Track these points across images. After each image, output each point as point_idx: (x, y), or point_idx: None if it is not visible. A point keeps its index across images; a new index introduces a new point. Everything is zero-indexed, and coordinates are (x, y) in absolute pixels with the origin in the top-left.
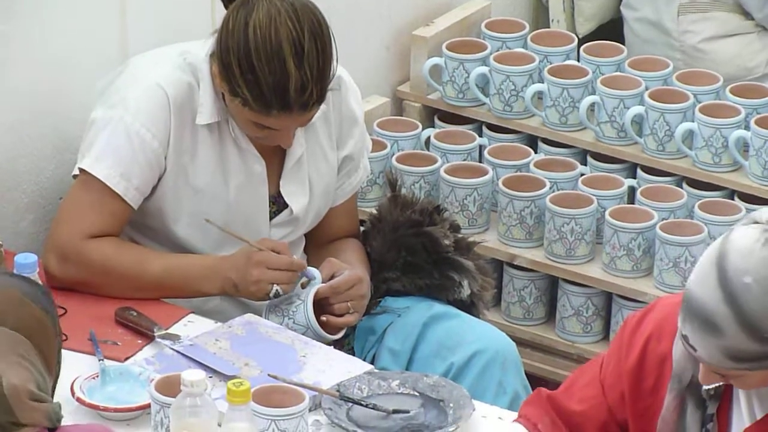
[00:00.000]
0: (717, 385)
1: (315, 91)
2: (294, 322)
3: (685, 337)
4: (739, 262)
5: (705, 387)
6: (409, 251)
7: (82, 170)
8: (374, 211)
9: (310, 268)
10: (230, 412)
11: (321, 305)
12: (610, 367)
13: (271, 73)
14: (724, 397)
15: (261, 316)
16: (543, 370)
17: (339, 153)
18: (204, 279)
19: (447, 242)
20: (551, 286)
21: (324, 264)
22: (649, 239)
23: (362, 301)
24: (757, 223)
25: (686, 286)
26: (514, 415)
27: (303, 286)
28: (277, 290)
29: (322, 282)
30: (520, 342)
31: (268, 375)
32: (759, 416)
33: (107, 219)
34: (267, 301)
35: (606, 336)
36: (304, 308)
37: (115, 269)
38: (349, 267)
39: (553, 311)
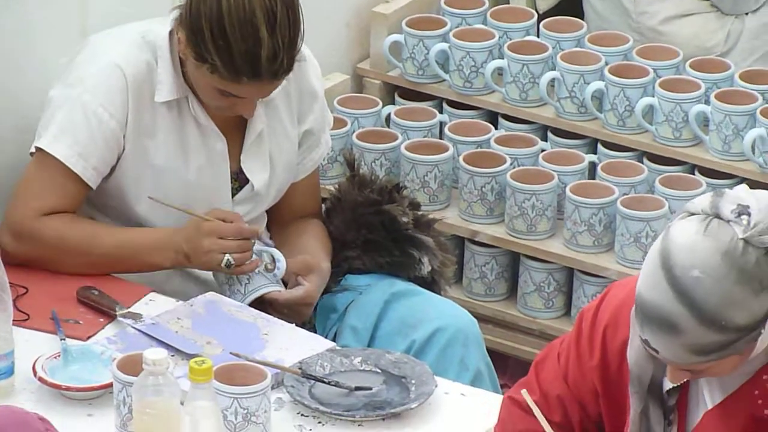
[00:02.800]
0: None
1: (285, 60)
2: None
3: (645, 341)
4: (684, 258)
5: (670, 386)
6: (368, 230)
7: (38, 149)
8: (334, 190)
9: (276, 250)
10: (193, 391)
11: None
12: (571, 361)
13: (243, 40)
14: (682, 385)
15: (222, 294)
16: (505, 346)
17: (299, 128)
18: (156, 251)
19: (406, 220)
20: (512, 262)
21: (298, 260)
22: (610, 214)
23: (307, 310)
24: (693, 214)
25: (637, 291)
26: (477, 391)
27: (268, 269)
28: (228, 259)
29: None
30: (481, 318)
31: (231, 353)
32: (718, 400)
33: (63, 198)
34: (227, 282)
35: (568, 311)
36: (249, 294)
37: (67, 245)
38: (316, 274)
39: (514, 287)
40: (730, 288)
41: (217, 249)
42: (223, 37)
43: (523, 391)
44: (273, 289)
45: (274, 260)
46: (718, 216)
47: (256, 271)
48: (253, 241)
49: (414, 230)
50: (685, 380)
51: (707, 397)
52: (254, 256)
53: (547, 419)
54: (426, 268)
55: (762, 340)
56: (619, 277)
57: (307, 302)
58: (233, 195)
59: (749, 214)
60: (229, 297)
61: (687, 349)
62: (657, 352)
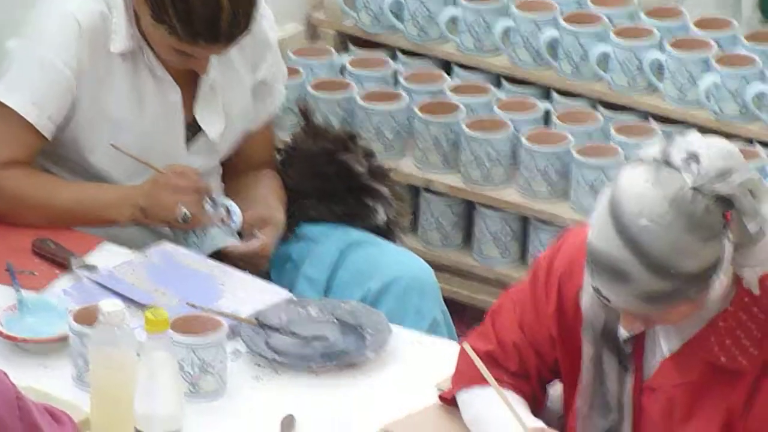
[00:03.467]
0: None
1: (243, 23)
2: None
3: (596, 290)
4: (633, 206)
5: (626, 334)
6: (324, 180)
7: None
8: (289, 141)
9: (232, 203)
10: (149, 341)
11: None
12: (527, 309)
13: (203, 5)
14: (638, 334)
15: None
16: (461, 294)
17: (253, 78)
18: (113, 207)
19: (361, 169)
20: (468, 211)
21: (254, 213)
22: (565, 162)
23: (263, 262)
24: (643, 162)
25: (587, 240)
26: (433, 340)
27: (224, 223)
28: (185, 213)
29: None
30: (437, 267)
31: (187, 304)
32: (675, 347)
33: (19, 148)
34: (183, 236)
35: (523, 259)
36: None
37: (25, 198)
38: (271, 227)
39: (470, 236)
40: (678, 236)
41: (174, 202)
42: (183, 0)
43: (466, 345)
44: (229, 242)
45: (229, 213)
46: (667, 163)
47: (212, 224)
48: (206, 197)
49: (369, 180)
50: (639, 329)
51: (664, 345)
52: (210, 209)
53: (503, 367)
54: (381, 218)
55: (715, 288)
56: (574, 224)
57: (263, 255)
58: (188, 146)
59: (699, 162)
60: (185, 248)
61: (637, 297)
62: (608, 300)
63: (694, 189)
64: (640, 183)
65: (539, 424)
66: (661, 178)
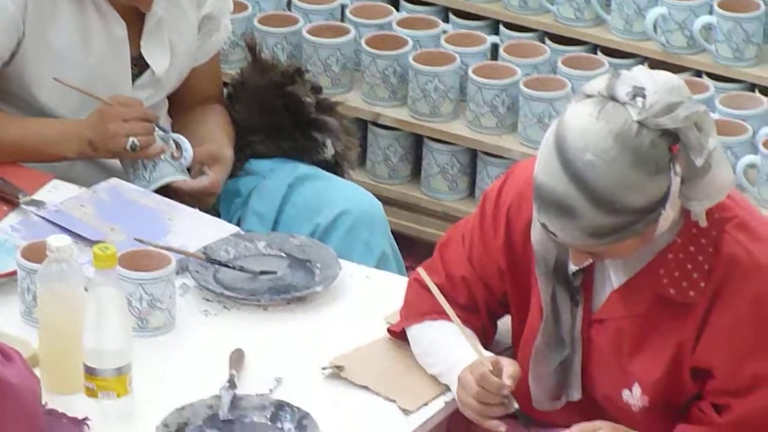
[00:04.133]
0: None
1: None
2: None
3: (543, 225)
4: (578, 141)
5: (575, 268)
6: (272, 114)
7: None
8: (236, 75)
9: (182, 138)
10: (97, 277)
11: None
12: (476, 242)
13: None
14: (587, 267)
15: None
16: (409, 228)
17: (199, 12)
18: (61, 141)
19: (309, 100)
20: (416, 145)
21: (204, 149)
22: (513, 95)
23: (211, 199)
24: (589, 96)
25: (534, 175)
26: (382, 273)
27: (174, 157)
28: (133, 142)
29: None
30: (386, 201)
31: (135, 239)
32: (624, 279)
33: None
34: (132, 167)
35: (472, 193)
36: (155, 182)
37: None
38: (220, 164)
39: (418, 169)
40: (623, 171)
41: (122, 132)
42: None
43: (421, 271)
44: (178, 177)
45: (180, 148)
46: (613, 98)
47: (162, 158)
48: (155, 126)
49: (317, 113)
50: (588, 262)
51: (613, 278)
52: (160, 140)
53: (452, 300)
54: (329, 152)
55: (663, 221)
56: (523, 157)
57: (212, 192)
58: (134, 81)
59: (644, 96)
60: (134, 183)
61: (583, 232)
62: (555, 235)
63: (639, 123)
64: (585, 118)
65: (489, 354)
66: (606, 113)
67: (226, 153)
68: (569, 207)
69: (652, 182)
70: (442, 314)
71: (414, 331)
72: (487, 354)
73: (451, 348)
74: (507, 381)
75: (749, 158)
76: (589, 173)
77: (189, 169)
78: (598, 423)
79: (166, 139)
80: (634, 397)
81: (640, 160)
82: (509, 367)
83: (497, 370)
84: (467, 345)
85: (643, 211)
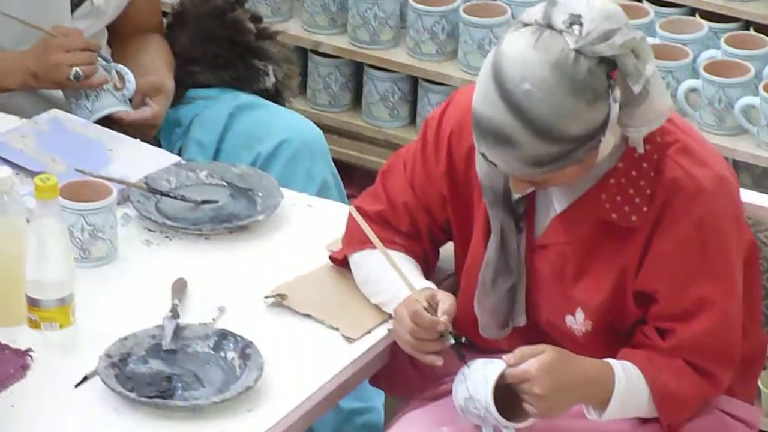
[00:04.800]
0: None
1: None
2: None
3: (483, 155)
4: (515, 71)
5: (517, 196)
6: (212, 43)
7: None
8: (176, 5)
9: (125, 69)
10: (38, 208)
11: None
12: (418, 169)
13: None
14: (529, 195)
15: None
16: (351, 156)
17: None
18: (3, 73)
19: (251, 26)
20: (356, 72)
21: (146, 81)
22: (453, 22)
23: (153, 131)
24: (526, 25)
25: (472, 106)
26: (324, 202)
27: (117, 88)
28: (77, 71)
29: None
30: (327, 129)
31: (76, 170)
32: (566, 205)
33: None
34: (74, 97)
35: (413, 120)
36: (97, 112)
37: None
38: (163, 95)
39: (359, 97)
40: (561, 99)
41: (65, 62)
42: None
43: (352, 209)
44: (121, 108)
45: (123, 79)
46: (550, 26)
47: (105, 89)
48: (97, 56)
49: (258, 41)
50: (530, 191)
51: (556, 204)
52: (103, 69)
53: (394, 227)
54: (271, 80)
55: (603, 148)
56: (463, 84)
57: (154, 123)
58: (73, 11)
59: (581, 24)
60: (75, 114)
61: (523, 161)
62: (496, 165)
63: (576, 51)
64: (522, 47)
65: (429, 284)
66: (543, 42)
67: (168, 84)
68: (508, 137)
69: (590, 110)
70: (386, 243)
71: (356, 259)
72: (424, 285)
73: (392, 278)
74: (442, 317)
75: (690, 83)
76: (527, 103)
77: (130, 100)
78: (540, 346)
79: (108, 69)
80: (578, 322)
81: (577, 89)
82: (445, 302)
83: (433, 305)
84: (409, 275)
85: (583, 138)
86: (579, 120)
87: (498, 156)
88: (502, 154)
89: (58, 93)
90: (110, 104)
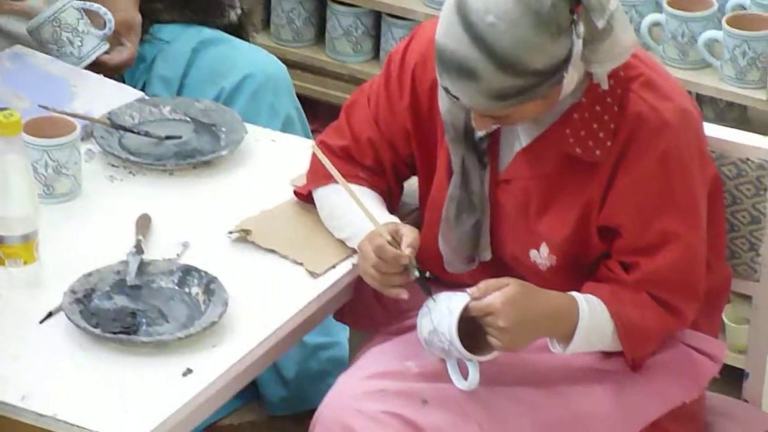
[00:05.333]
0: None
1: None
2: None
3: (446, 89)
4: (479, 3)
5: (482, 133)
6: None
7: None
8: None
9: (102, 6)
10: (2, 145)
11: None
12: (382, 103)
13: None
14: (494, 131)
15: (31, 48)
16: (315, 91)
17: None
18: None
19: None
20: (320, 7)
21: (120, 19)
22: None
23: (125, 68)
24: None
25: (435, 40)
26: (287, 137)
27: (98, 27)
28: None
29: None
30: (290, 64)
31: (39, 106)
32: (527, 142)
33: None
34: (55, 44)
35: (376, 55)
36: (86, 58)
37: None
38: (134, 32)
39: (322, 32)
40: (525, 32)
41: None
42: None
43: (313, 146)
44: (104, 48)
45: (103, 20)
46: None
47: (87, 31)
48: None
49: None
50: (493, 128)
51: (522, 138)
52: (77, 14)
53: (358, 162)
54: (235, 12)
55: (567, 83)
56: (426, 18)
57: (129, 63)
58: None
59: None
60: (62, 60)
61: (486, 94)
62: (458, 99)
63: None
64: None
65: (393, 219)
66: None
67: (137, 18)
68: (471, 70)
69: (554, 44)
70: (350, 177)
71: (320, 194)
72: (388, 219)
73: (356, 213)
74: (406, 251)
75: (653, 17)
76: (492, 35)
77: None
78: (504, 279)
79: (86, 8)
80: (542, 256)
81: (541, 22)
82: (408, 235)
83: (397, 239)
84: (372, 209)
85: (546, 73)
86: (542, 54)
87: (461, 90)
88: (465, 87)
89: (22, 29)
90: (95, 47)
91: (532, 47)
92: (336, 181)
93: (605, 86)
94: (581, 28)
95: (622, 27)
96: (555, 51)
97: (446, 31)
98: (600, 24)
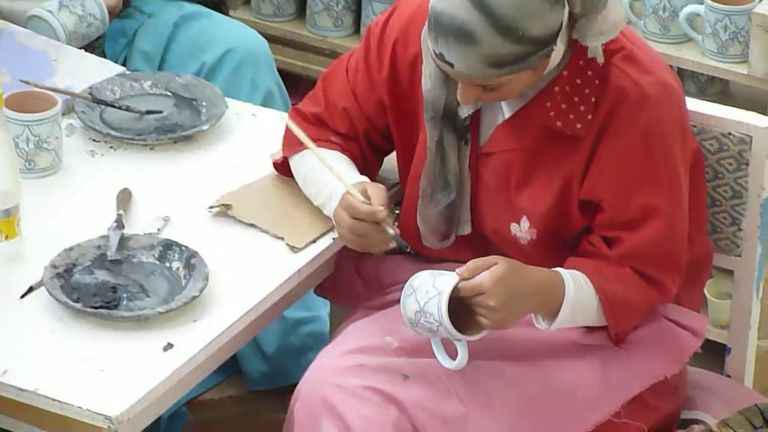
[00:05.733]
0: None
1: None
2: None
3: (440, 56)
4: None
5: (466, 113)
6: None
7: None
8: None
9: None
10: None
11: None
12: (360, 75)
13: None
14: (476, 111)
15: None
16: (295, 66)
17: None
18: None
19: None
20: None
21: None
22: None
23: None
24: None
25: (431, 5)
26: (268, 111)
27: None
28: None
29: None
30: (271, 39)
31: (20, 81)
32: (508, 115)
33: None
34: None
35: (357, 30)
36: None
37: None
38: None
39: (303, 6)
40: None
41: None
42: None
43: (288, 120)
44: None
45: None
46: None
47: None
48: None
49: None
50: (476, 107)
51: (505, 111)
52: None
53: (330, 128)
54: None
55: (554, 56)
56: None
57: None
58: None
59: None
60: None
61: (482, 60)
62: (452, 66)
63: None
64: None
65: (363, 179)
66: None
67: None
68: (470, 33)
69: (552, 11)
70: (321, 141)
71: (296, 160)
72: (358, 179)
73: (329, 176)
74: (379, 206)
75: None
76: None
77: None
78: (492, 258)
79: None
80: (522, 230)
81: None
82: (378, 194)
83: (366, 198)
84: (345, 171)
85: (542, 41)
86: (541, 20)
87: (458, 55)
88: (463, 52)
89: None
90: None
91: (532, 13)
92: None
93: (601, 60)
94: (577, 2)
95: (614, 1)
96: (551, 19)
97: None
98: None
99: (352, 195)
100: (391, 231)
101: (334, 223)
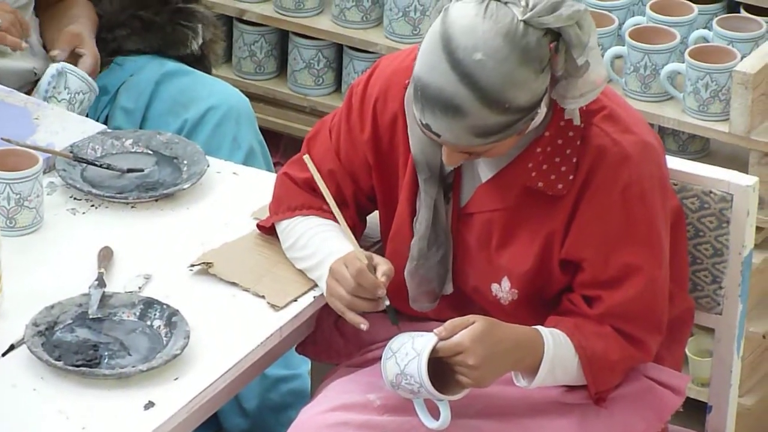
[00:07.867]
0: None
1: None
2: None
3: (426, 126)
4: (466, 40)
5: (448, 168)
6: (139, 5)
7: None
8: None
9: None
10: None
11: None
12: (343, 135)
13: None
14: (457, 167)
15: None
16: (277, 124)
17: None
18: None
19: None
20: (281, 40)
21: (64, 35)
22: None
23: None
24: None
25: (416, 76)
26: (250, 170)
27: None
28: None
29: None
30: (252, 97)
31: (1, 138)
32: (491, 174)
33: None
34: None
35: (338, 88)
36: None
37: None
38: (84, 39)
39: (284, 65)
40: (513, 69)
41: None
42: None
43: (306, 157)
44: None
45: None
46: None
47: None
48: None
49: (185, 3)
50: (461, 163)
51: (482, 171)
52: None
53: (319, 195)
54: (198, 41)
55: (538, 118)
56: (388, 51)
57: (97, 65)
58: None
59: None
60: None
61: (470, 131)
62: (438, 136)
63: (525, 23)
64: (471, 17)
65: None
66: (491, 12)
67: (79, 27)
68: (457, 106)
69: (537, 80)
70: (312, 209)
71: (284, 226)
72: (362, 251)
73: (323, 241)
74: (381, 278)
75: (616, 49)
76: (480, 72)
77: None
78: (470, 317)
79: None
80: (503, 290)
81: (528, 59)
82: (383, 265)
83: (371, 267)
84: (339, 239)
85: (527, 109)
86: (527, 90)
87: (445, 126)
88: (450, 124)
89: None
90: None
91: (518, 84)
92: (302, 213)
93: (578, 122)
94: (559, 64)
95: (596, 62)
96: (537, 87)
97: (431, 68)
98: (580, 61)
99: (360, 260)
100: (387, 302)
101: (329, 277)
